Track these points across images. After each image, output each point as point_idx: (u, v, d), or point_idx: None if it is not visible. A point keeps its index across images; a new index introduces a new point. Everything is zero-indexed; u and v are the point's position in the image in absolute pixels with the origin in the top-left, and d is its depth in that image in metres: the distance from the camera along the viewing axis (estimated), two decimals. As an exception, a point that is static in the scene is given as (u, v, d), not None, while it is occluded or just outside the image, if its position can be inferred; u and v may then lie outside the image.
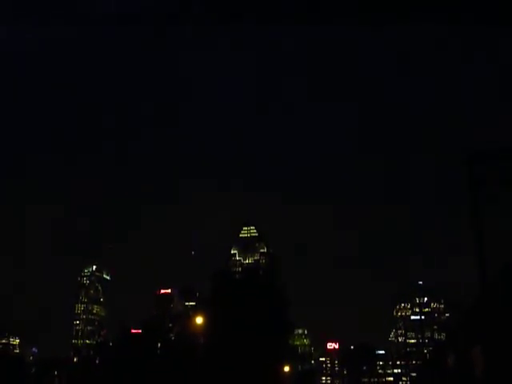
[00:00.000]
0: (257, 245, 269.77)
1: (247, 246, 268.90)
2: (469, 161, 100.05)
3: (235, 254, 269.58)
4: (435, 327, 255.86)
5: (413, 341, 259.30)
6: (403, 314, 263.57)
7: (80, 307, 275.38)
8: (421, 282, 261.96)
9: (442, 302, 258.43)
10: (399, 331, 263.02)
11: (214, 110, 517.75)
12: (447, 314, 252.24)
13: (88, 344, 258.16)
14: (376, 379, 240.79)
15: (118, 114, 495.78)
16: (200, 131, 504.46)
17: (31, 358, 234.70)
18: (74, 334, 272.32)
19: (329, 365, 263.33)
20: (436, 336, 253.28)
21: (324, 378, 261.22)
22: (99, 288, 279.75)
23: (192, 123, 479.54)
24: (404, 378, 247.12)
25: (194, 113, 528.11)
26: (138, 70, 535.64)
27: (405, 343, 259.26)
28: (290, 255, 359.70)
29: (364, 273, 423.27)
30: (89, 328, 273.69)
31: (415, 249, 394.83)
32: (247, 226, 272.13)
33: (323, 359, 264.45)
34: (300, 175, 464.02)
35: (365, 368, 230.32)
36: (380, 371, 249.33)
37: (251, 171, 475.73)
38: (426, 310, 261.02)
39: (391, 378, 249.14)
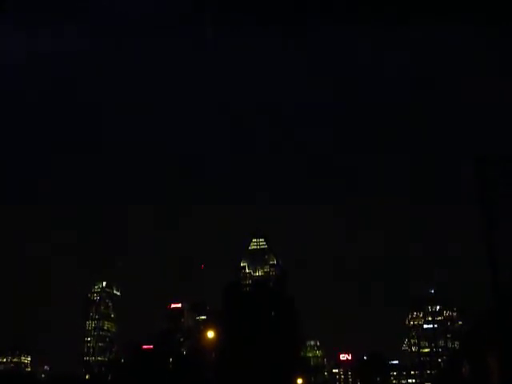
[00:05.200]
0: (266, 257, 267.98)
1: (257, 259, 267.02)
2: (480, 162, 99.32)
3: (245, 266, 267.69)
4: (449, 336, 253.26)
5: (426, 350, 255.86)
6: (416, 322, 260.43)
7: (91, 324, 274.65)
8: (432, 291, 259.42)
9: (455, 309, 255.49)
10: (412, 340, 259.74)
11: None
12: (460, 322, 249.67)
13: (100, 361, 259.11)
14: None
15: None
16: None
17: (43, 375, 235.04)
18: (86, 350, 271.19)
19: (342, 376, 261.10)
20: (450, 345, 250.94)
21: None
22: (109, 304, 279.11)
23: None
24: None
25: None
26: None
27: (418, 353, 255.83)
28: (299, 266, 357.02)
29: (375, 282, 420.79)
30: (100, 345, 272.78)
31: (425, 256, 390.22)
32: (256, 238, 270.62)
33: (336, 371, 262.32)
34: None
35: (378, 379, 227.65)
36: (394, 382, 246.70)
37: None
38: (439, 318, 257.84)
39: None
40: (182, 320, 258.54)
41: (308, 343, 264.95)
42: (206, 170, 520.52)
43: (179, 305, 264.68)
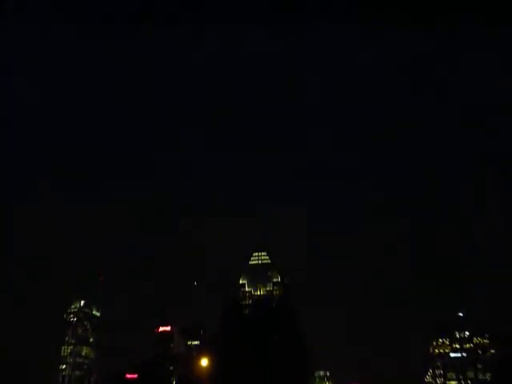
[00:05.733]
0: (269, 273, 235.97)
1: (258, 275, 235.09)
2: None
3: (244, 284, 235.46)
4: (479, 366, 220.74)
5: (453, 382, 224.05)
6: (441, 350, 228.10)
7: (67, 349, 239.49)
8: (461, 314, 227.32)
9: (487, 336, 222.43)
10: (437, 371, 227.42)
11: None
12: (493, 351, 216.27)
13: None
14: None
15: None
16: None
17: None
18: (61, 380, 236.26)
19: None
20: (480, 376, 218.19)
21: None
22: (88, 327, 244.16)
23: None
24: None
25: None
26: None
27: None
28: (306, 283, 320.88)
29: (395, 305, 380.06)
30: (77, 373, 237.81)
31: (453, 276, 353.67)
32: (258, 252, 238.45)
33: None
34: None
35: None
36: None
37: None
38: (468, 345, 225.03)
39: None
40: (172, 345, 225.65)
41: (317, 374, 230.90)
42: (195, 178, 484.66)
43: (168, 328, 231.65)
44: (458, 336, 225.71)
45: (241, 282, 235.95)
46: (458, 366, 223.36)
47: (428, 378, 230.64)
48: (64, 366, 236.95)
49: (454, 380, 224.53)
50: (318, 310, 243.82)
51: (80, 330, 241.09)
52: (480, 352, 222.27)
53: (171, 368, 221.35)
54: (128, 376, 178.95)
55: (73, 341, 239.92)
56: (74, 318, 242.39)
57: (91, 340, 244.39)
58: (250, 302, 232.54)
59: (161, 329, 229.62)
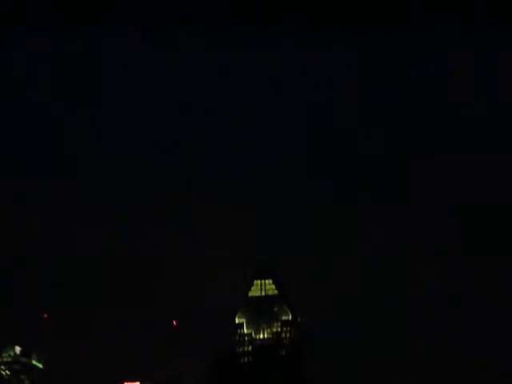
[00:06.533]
0: (276, 309, 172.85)
1: (261, 312, 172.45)
2: None
3: (242, 324, 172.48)
4: None
5: None
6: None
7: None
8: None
9: None
10: None
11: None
12: None
13: None
14: None
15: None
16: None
17: None
18: None
19: None
20: None
21: None
22: (26, 382, 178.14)
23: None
24: None
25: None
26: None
27: None
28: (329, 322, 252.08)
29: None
30: None
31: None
32: (260, 279, 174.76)
33: None
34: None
35: None
36: None
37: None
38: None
39: None
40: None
41: None
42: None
43: (137, 383, 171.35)
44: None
45: (237, 321, 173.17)
46: None
47: None
48: None
49: None
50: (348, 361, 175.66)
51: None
52: None
53: None
54: None
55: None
56: (5, 370, 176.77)
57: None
58: (250, 348, 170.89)
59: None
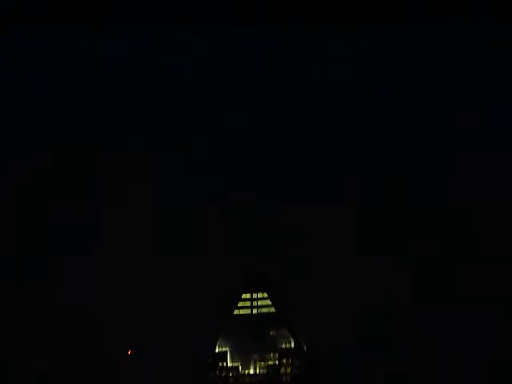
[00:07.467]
0: (272, 333, 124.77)
1: (252, 337, 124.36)
2: None
3: (225, 354, 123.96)
4: None
5: None
6: None
7: None
8: None
9: None
10: None
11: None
12: None
13: None
14: None
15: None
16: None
17: None
18: None
19: None
20: None
21: None
22: None
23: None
24: None
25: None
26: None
27: None
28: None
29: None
30: None
31: None
32: (251, 292, 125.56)
33: None
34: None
35: None
36: None
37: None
38: None
39: None
40: None
41: None
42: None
43: None
44: None
45: (217, 350, 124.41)
46: None
47: None
48: None
49: None
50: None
51: None
52: None
53: None
54: None
55: None
56: None
57: None
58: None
59: None
